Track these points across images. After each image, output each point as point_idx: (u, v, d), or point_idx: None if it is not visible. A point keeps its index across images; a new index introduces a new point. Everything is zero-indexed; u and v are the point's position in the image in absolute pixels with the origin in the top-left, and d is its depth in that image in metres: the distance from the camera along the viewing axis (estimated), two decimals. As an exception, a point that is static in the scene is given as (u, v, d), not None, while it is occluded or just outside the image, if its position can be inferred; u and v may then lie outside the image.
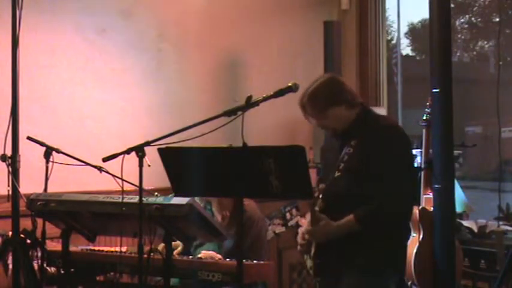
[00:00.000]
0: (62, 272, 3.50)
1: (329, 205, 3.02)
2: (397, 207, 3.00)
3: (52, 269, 3.61)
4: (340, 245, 3.02)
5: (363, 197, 2.94)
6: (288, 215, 5.37)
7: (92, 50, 4.71)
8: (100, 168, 3.50)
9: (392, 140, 3.03)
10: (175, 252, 3.78)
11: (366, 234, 2.97)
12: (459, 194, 4.52)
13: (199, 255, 3.64)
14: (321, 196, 3.01)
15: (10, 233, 3.44)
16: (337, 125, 3.12)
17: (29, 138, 3.63)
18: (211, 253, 3.67)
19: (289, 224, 5.38)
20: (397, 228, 3.10)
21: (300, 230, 3.26)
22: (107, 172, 3.45)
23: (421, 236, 4.25)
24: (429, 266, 4.21)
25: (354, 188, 2.96)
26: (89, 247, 3.76)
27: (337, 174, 3.03)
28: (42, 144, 3.60)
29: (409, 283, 4.25)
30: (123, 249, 3.44)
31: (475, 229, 4.44)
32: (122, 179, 3.15)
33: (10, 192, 3.39)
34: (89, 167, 3.61)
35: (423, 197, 4.31)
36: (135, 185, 3.06)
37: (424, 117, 4.37)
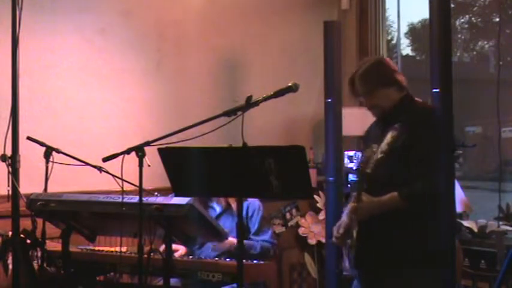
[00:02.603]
0: (62, 272, 3.50)
1: (370, 186, 3.01)
2: (435, 189, 3.02)
3: (52, 269, 3.61)
4: (382, 235, 3.02)
5: (405, 178, 2.95)
6: (288, 215, 5.37)
7: (92, 50, 4.71)
8: (100, 168, 3.50)
9: (435, 124, 3.09)
10: (176, 254, 3.78)
11: (407, 225, 2.98)
12: (459, 194, 4.52)
13: None
14: (369, 170, 2.98)
15: (10, 233, 3.44)
16: (386, 105, 3.15)
17: (29, 138, 3.63)
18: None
19: (289, 224, 5.38)
20: (436, 219, 3.11)
21: (337, 224, 3.23)
22: (107, 172, 3.45)
23: (421, 236, 4.24)
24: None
25: (397, 169, 2.96)
26: (89, 247, 3.76)
27: (380, 155, 2.99)
28: (42, 144, 3.60)
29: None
30: (123, 249, 3.44)
31: (475, 229, 4.44)
32: (122, 179, 3.15)
33: (10, 192, 3.38)
34: (89, 167, 3.60)
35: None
36: (135, 185, 3.06)
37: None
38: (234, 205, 4.03)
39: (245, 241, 3.89)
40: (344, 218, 3.19)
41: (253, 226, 4.05)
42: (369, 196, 3.01)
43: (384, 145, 2.96)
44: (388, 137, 2.97)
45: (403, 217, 3.00)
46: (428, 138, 3.02)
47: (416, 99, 3.24)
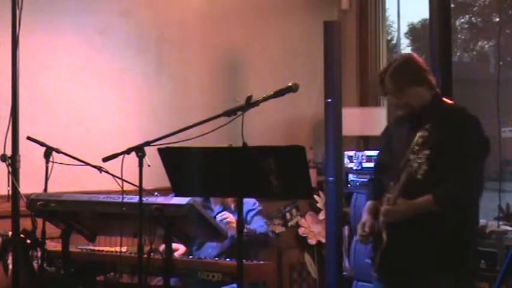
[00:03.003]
0: (62, 272, 3.50)
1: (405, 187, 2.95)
2: (471, 192, 3.00)
3: (52, 269, 3.61)
4: (412, 241, 2.99)
5: (438, 179, 2.91)
6: (288, 215, 5.37)
7: (92, 50, 4.70)
8: (100, 168, 3.50)
9: (468, 125, 3.03)
10: (175, 253, 3.78)
11: (440, 233, 2.95)
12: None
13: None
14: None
15: (10, 233, 3.44)
16: (416, 104, 3.09)
17: (29, 138, 3.63)
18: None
19: (289, 224, 5.38)
20: (470, 227, 3.09)
21: (361, 222, 3.19)
22: (107, 172, 3.45)
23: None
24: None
25: (432, 167, 2.87)
26: (89, 247, 3.76)
27: (411, 156, 2.92)
28: (42, 144, 3.60)
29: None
30: (123, 249, 3.44)
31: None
32: (122, 179, 3.15)
33: (10, 192, 3.39)
34: (89, 167, 3.61)
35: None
36: (135, 185, 3.06)
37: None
38: (232, 205, 4.03)
39: (247, 226, 3.87)
40: (366, 216, 3.16)
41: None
42: (404, 199, 2.97)
43: (413, 146, 2.91)
44: (417, 137, 2.92)
45: (435, 221, 2.95)
46: (461, 140, 2.97)
47: (444, 98, 3.18)
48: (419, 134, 2.92)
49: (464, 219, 3.04)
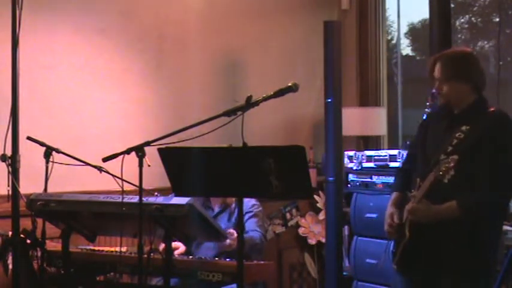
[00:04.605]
0: (62, 272, 3.50)
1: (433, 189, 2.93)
2: (498, 202, 2.97)
3: (52, 269, 3.61)
4: (433, 240, 2.98)
5: (468, 183, 2.88)
6: (288, 215, 5.37)
7: (92, 50, 4.70)
8: (100, 168, 3.50)
9: (507, 132, 2.98)
10: (176, 252, 3.78)
11: (463, 234, 2.93)
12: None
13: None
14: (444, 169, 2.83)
15: (10, 233, 3.44)
16: (453, 100, 3.06)
17: (29, 138, 3.63)
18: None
19: (289, 224, 5.38)
20: (495, 228, 3.07)
21: (388, 212, 3.18)
22: (107, 172, 3.45)
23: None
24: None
25: (460, 173, 2.83)
26: (89, 247, 3.76)
27: (443, 156, 2.90)
28: (42, 144, 3.60)
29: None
30: (123, 249, 3.44)
31: (475, 229, 4.43)
32: (122, 179, 3.15)
33: (10, 192, 3.38)
34: (89, 167, 3.60)
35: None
36: (135, 185, 3.06)
37: (424, 117, 4.35)
38: (232, 205, 4.03)
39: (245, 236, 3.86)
40: (393, 208, 3.14)
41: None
42: (427, 202, 2.95)
43: (447, 146, 2.89)
44: (452, 138, 2.90)
45: (459, 222, 2.92)
46: (497, 146, 2.92)
47: (489, 106, 3.10)
48: (454, 135, 2.90)
49: (489, 222, 3.01)
